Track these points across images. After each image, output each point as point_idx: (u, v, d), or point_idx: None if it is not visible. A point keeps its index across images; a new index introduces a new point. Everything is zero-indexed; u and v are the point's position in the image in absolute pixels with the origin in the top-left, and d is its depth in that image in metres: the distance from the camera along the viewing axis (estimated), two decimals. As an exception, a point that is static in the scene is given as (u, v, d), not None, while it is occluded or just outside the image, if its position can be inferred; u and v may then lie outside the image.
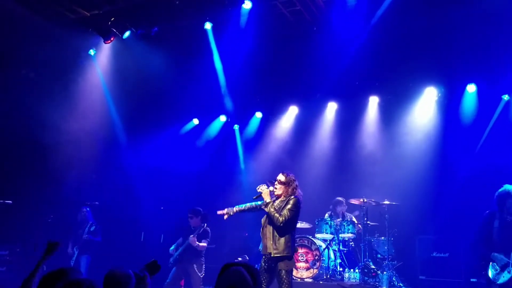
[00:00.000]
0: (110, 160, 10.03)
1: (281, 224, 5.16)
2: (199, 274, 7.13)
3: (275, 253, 5.18)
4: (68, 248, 8.40)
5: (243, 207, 5.73)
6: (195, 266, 7.13)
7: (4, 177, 8.54)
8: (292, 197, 5.31)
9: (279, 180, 5.41)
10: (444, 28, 7.82)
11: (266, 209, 5.34)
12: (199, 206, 7.53)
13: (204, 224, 7.30)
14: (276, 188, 5.41)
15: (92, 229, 8.33)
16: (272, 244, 5.20)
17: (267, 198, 5.37)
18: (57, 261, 7.92)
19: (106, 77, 9.77)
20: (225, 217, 5.80)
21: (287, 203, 5.27)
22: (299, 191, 5.42)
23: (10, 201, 7.29)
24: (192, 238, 7.06)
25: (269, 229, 5.30)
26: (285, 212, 5.19)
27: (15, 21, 8.36)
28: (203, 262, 7.26)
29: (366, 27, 8.12)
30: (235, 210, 5.74)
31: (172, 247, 7.39)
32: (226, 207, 5.83)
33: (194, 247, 7.08)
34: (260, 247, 5.51)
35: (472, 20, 7.40)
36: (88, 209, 8.56)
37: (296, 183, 5.43)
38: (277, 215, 5.20)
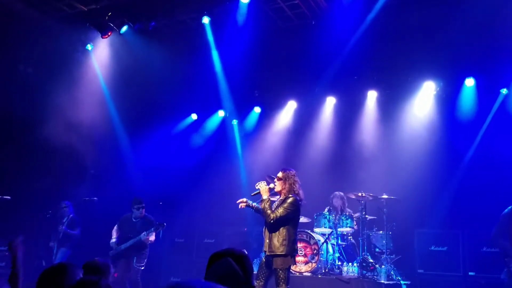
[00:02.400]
0: (108, 155, 10.01)
1: (272, 221, 5.23)
2: (137, 266, 7.22)
3: (269, 251, 5.28)
4: (50, 242, 8.32)
5: (259, 208, 5.53)
6: (135, 258, 7.24)
7: (3, 172, 8.51)
8: (290, 196, 5.33)
9: (277, 176, 5.51)
10: (443, 22, 7.80)
11: (261, 205, 5.40)
12: (196, 202, 7.52)
13: (154, 221, 7.38)
14: (275, 185, 5.48)
15: (68, 220, 8.15)
16: (268, 242, 5.31)
17: (264, 195, 5.42)
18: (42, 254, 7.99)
19: (103, 72, 9.73)
20: (242, 205, 5.61)
21: (283, 202, 5.32)
22: (297, 187, 5.42)
23: (9, 197, 7.26)
24: (145, 237, 7.13)
25: (267, 227, 5.40)
26: (280, 210, 5.24)
27: (12, 16, 8.32)
28: (147, 253, 7.35)
29: (364, 21, 8.10)
30: (253, 205, 5.58)
31: (113, 240, 7.42)
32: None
33: (144, 242, 7.20)
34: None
35: (470, 14, 7.36)
36: (68, 203, 8.40)
37: (295, 178, 5.46)
38: (269, 211, 5.27)
